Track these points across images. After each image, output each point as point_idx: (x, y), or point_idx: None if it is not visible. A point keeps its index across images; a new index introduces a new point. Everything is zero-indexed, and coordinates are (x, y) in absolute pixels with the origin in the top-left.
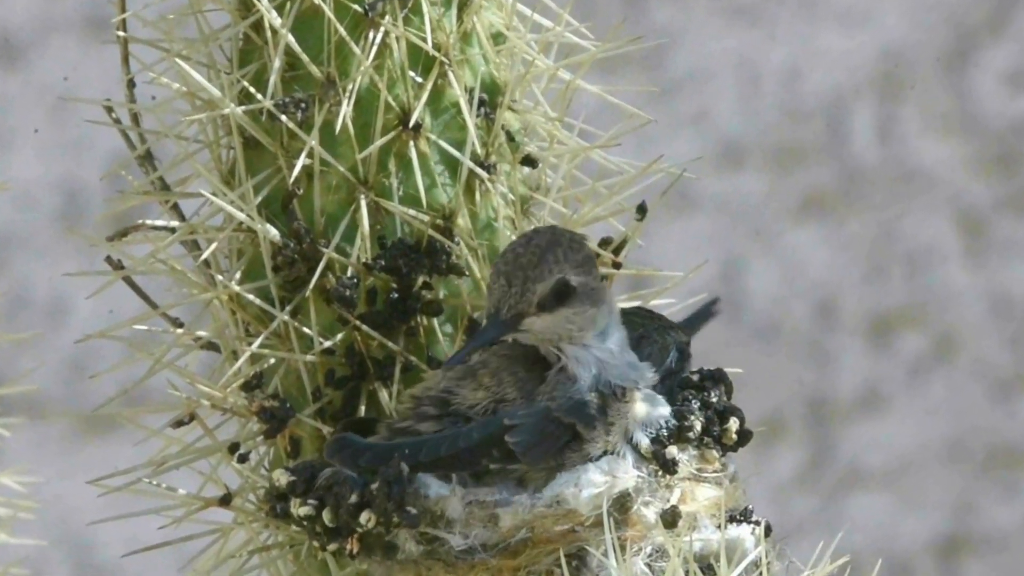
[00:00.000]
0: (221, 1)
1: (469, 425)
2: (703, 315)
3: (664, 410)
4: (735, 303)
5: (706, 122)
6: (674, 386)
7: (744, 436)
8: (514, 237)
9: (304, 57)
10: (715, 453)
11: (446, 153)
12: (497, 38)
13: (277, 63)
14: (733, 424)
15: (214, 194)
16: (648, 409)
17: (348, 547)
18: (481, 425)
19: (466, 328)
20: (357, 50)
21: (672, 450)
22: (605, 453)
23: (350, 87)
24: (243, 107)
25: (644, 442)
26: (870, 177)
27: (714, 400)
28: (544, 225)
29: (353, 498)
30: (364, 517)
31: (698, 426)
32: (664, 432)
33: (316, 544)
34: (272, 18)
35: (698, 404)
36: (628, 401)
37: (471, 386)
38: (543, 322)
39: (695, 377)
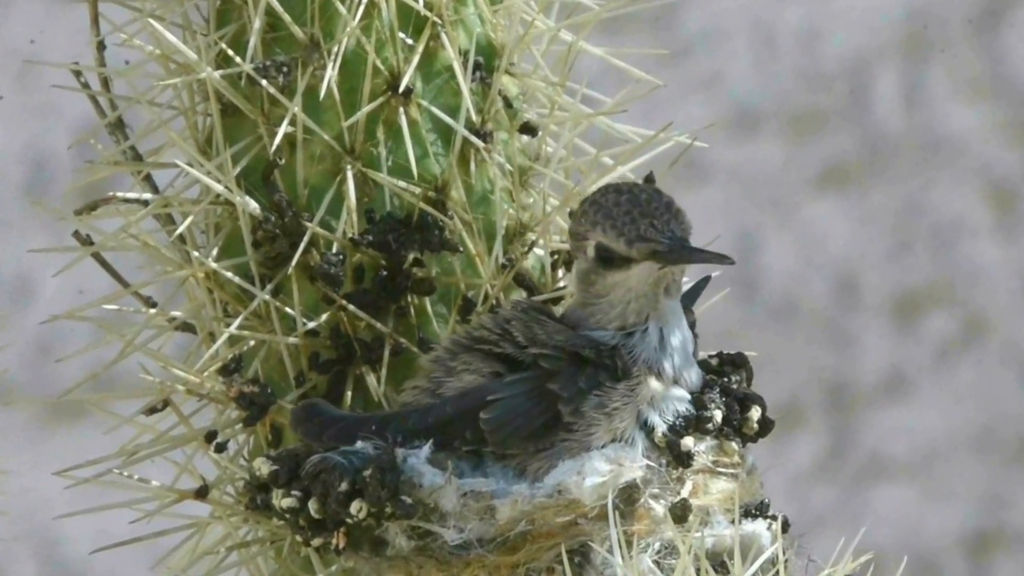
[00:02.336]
0: None
1: (446, 397)
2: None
3: (680, 391)
4: (749, 280)
5: (719, 86)
6: None
7: (765, 425)
8: (512, 211)
9: (286, 17)
10: (734, 445)
11: (439, 120)
12: None
13: (257, 24)
14: (754, 413)
15: (190, 164)
16: (662, 388)
17: (334, 542)
18: (459, 398)
19: (460, 308)
20: (343, 9)
21: (687, 441)
22: (612, 440)
23: (335, 49)
24: (221, 71)
25: (660, 428)
26: (894, 146)
27: (734, 386)
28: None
29: (343, 486)
30: (355, 507)
31: (718, 416)
32: (681, 421)
33: (299, 539)
34: None
35: (718, 391)
36: (639, 381)
37: (462, 360)
38: None
39: (713, 361)
